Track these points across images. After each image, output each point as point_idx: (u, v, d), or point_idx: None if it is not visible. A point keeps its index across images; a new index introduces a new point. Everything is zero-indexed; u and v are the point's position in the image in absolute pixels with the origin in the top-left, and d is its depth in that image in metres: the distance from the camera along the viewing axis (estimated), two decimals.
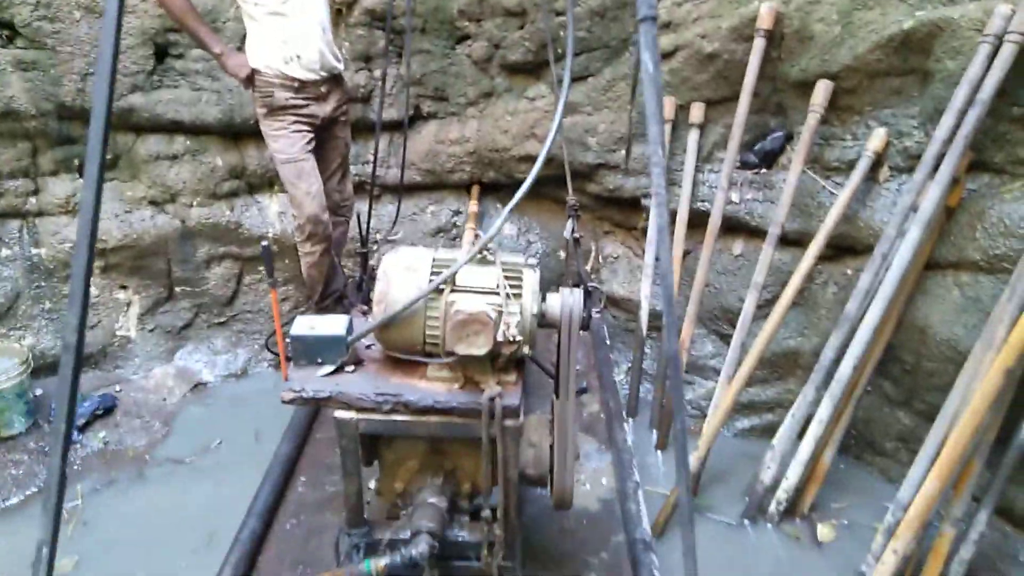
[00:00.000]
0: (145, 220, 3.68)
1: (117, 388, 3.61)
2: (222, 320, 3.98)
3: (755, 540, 2.88)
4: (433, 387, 1.77)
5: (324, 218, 3.24)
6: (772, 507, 2.94)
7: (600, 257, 4.15)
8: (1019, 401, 2.51)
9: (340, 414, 1.75)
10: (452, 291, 1.74)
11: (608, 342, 3.82)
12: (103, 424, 3.38)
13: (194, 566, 2.51)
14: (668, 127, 3.54)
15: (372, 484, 1.98)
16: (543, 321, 1.79)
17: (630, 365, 3.86)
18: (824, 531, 2.89)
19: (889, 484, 3.03)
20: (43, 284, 3.58)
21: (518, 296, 1.75)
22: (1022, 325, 2.35)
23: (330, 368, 1.81)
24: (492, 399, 1.71)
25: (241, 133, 3.75)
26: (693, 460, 3.05)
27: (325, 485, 2.59)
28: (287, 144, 3.10)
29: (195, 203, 3.76)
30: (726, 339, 3.51)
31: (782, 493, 2.92)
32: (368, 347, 1.90)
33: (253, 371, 3.97)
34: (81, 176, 3.58)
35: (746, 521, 2.95)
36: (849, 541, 2.83)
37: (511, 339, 1.70)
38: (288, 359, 1.94)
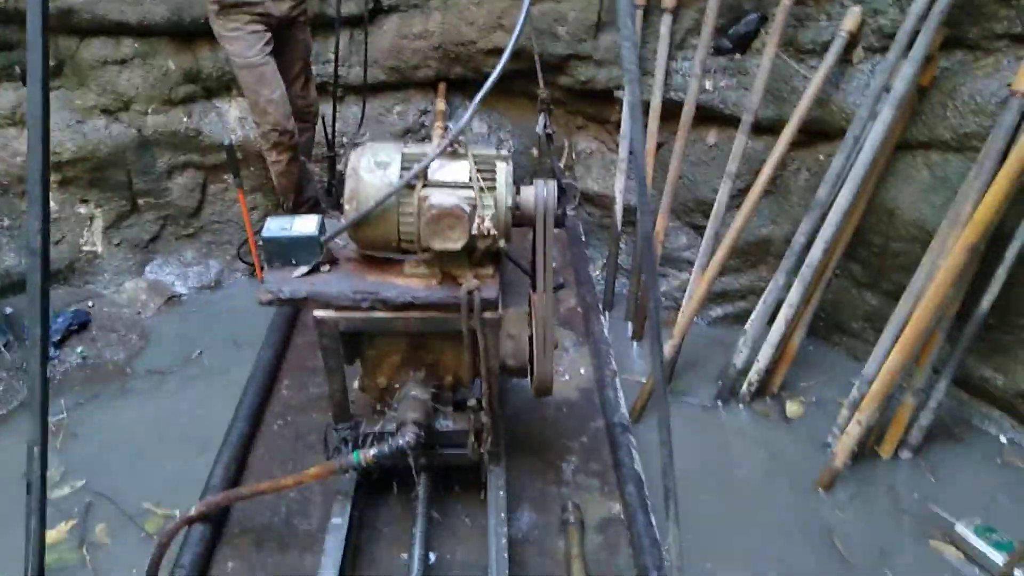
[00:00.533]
0: (99, 130, 3.52)
1: (89, 303, 3.56)
2: (190, 232, 3.90)
3: (727, 419, 3.01)
4: (411, 283, 1.77)
5: (289, 126, 3.14)
6: (743, 388, 3.05)
7: (573, 153, 4.09)
8: (981, 276, 2.59)
9: (319, 313, 1.75)
10: (424, 186, 1.71)
11: (583, 239, 3.84)
12: (79, 339, 3.36)
13: (185, 471, 2.56)
14: (640, 13, 3.42)
15: (356, 384, 2.01)
16: (517, 213, 1.78)
17: (605, 261, 3.89)
18: (792, 408, 3.02)
19: (855, 362, 3.15)
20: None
21: (492, 189, 1.72)
22: (987, 202, 2.40)
23: (305, 268, 1.79)
24: (470, 293, 1.72)
25: (193, 34, 3.54)
26: (668, 349, 3.13)
27: (308, 387, 2.62)
28: (244, 47, 2.95)
29: (150, 110, 3.60)
30: (700, 231, 3.53)
31: (753, 375, 3.03)
32: (343, 247, 1.88)
33: (227, 282, 3.93)
34: (25, 84, 3.39)
35: (719, 402, 3.07)
36: (816, 416, 2.97)
37: (486, 232, 1.69)
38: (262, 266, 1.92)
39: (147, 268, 3.82)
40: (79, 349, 3.32)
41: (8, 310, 3.34)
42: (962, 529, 2.40)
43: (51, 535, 2.35)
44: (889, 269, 3.00)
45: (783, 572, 2.32)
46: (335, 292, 1.74)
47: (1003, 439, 2.82)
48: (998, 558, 2.29)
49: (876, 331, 2.90)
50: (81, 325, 3.41)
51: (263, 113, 3.06)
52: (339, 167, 3.73)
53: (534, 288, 1.90)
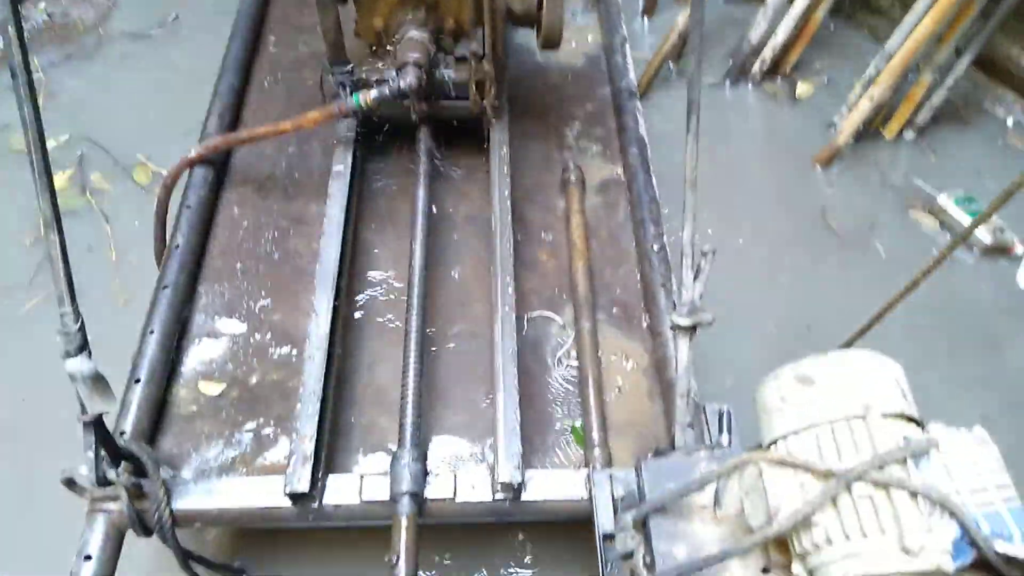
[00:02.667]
0: None
1: None
2: None
3: (733, 98, 2.92)
4: None
5: None
6: (755, 68, 2.92)
7: None
8: None
9: None
10: None
11: None
12: None
13: (170, 129, 2.52)
14: None
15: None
16: None
17: None
18: (803, 88, 2.92)
19: (876, 44, 2.97)
20: None
21: None
22: None
23: None
24: None
25: None
26: (679, 22, 2.92)
27: (297, 46, 2.45)
28: None
29: None
30: None
31: (768, 52, 2.87)
32: None
33: None
34: None
35: (727, 81, 2.95)
36: (826, 97, 2.89)
37: None
38: None
39: None
40: (42, 5, 3.05)
41: None
42: (944, 200, 2.48)
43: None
44: None
45: (775, 241, 2.42)
46: None
47: (1010, 122, 2.78)
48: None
49: (904, 8, 2.68)
50: None
51: None
52: None
53: None
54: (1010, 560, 0.90)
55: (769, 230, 2.45)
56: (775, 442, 0.94)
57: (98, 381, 1.15)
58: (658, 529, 1.01)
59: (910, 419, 0.89)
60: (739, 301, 2.28)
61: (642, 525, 1.03)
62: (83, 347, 1.15)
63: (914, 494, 0.82)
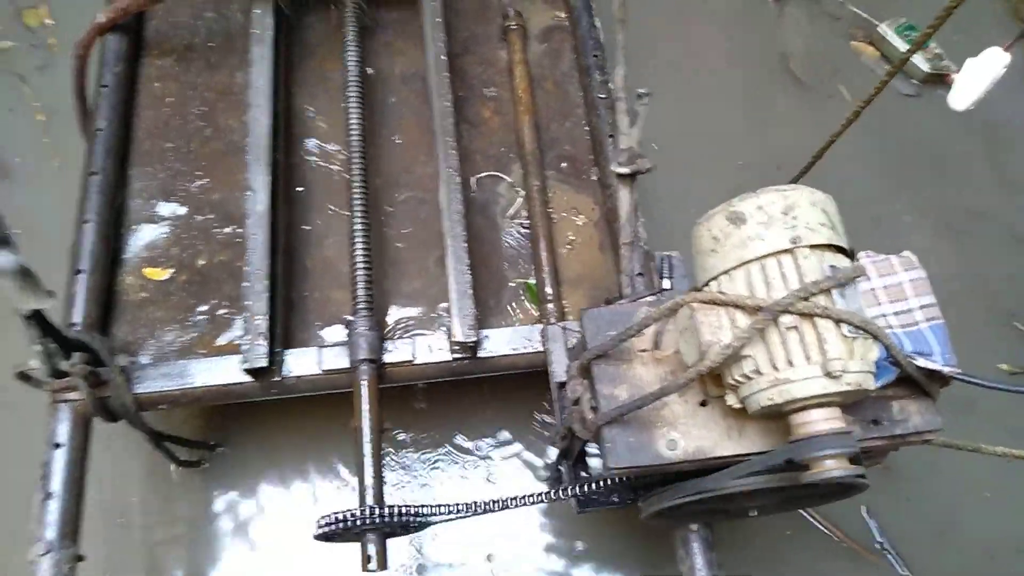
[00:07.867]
0: None
1: None
2: None
3: None
4: None
5: None
6: None
7: None
8: None
9: None
10: None
11: None
12: None
13: None
14: None
15: None
16: None
17: None
18: None
19: None
20: None
21: None
22: None
23: None
24: None
25: None
26: None
27: None
28: None
29: None
30: None
31: None
32: None
33: None
34: None
35: None
36: None
37: None
38: None
39: None
40: None
41: None
42: (884, 29, 2.43)
43: None
44: None
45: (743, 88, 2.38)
46: None
47: None
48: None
49: None
50: None
51: None
52: None
53: None
54: (931, 374, 0.95)
55: (733, 77, 2.41)
56: (709, 283, 0.95)
57: (26, 275, 1.11)
58: (601, 374, 1.04)
59: (839, 249, 0.90)
60: (710, 147, 2.27)
61: (586, 371, 1.06)
62: (3, 242, 1.11)
63: (838, 321, 0.84)
